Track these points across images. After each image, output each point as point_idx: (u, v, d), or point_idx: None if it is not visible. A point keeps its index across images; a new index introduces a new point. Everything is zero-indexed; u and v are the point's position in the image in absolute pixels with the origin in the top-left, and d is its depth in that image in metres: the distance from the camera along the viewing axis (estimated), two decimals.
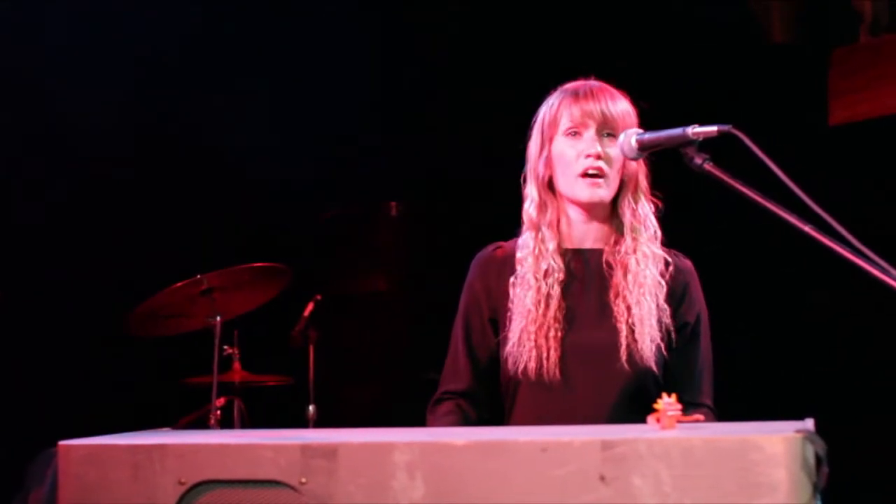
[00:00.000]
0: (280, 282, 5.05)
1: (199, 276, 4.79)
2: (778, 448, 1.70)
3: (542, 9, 5.74)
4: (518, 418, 2.79)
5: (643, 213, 2.82)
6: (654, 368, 2.73)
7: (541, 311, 2.75)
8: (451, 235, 5.35)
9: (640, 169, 2.83)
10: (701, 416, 2.09)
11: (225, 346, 5.06)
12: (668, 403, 1.94)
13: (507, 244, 2.91)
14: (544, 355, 2.73)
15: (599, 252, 2.83)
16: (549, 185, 2.85)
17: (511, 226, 2.91)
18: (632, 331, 2.74)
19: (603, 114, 2.78)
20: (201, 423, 4.86)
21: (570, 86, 2.87)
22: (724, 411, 2.86)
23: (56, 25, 5.42)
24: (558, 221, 2.84)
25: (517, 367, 2.75)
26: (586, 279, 2.82)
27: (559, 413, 2.69)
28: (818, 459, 1.71)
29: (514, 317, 2.78)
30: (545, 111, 2.87)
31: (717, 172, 2.31)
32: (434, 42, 5.93)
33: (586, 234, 2.84)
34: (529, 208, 2.85)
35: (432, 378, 2.99)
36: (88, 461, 1.89)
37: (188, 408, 5.05)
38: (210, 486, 1.86)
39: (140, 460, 1.88)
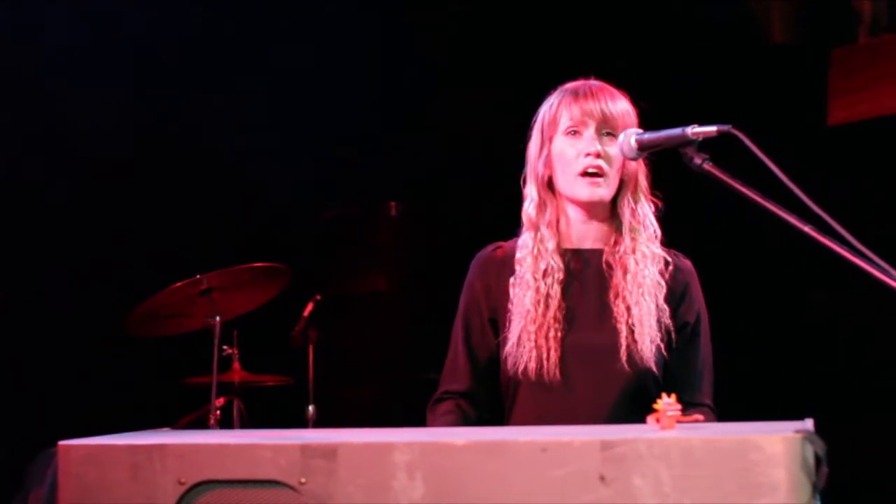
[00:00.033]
0: (280, 282, 5.05)
1: (198, 276, 4.79)
2: (777, 448, 1.70)
3: (542, 9, 5.73)
4: (518, 418, 2.79)
5: (643, 213, 2.82)
6: (654, 369, 2.73)
7: (540, 312, 2.75)
8: (451, 235, 5.35)
9: (639, 169, 2.83)
10: (700, 417, 2.09)
11: (224, 346, 5.06)
12: (667, 404, 1.94)
13: (507, 244, 2.91)
14: (544, 355, 2.73)
15: (599, 252, 2.83)
16: (549, 185, 2.85)
17: (511, 226, 2.91)
18: (632, 331, 2.74)
19: (603, 113, 2.79)
20: (201, 424, 4.86)
21: (569, 85, 2.87)
22: (724, 411, 2.86)
23: (56, 25, 5.42)
24: (558, 221, 2.84)
25: (517, 368, 2.75)
26: (586, 279, 2.82)
27: (559, 413, 2.69)
28: (818, 459, 1.71)
29: (513, 317, 2.78)
30: (545, 111, 2.87)
31: (717, 172, 2.31)
32: (434, 42, 5.93)
33: (586, 234, 2.84)
34: (529, 208, 2.85)
35: (432, 378, 2.99)
36: (88, 461, 1.89)
37: (188, 408, 5.05)
38: (210, 486, 1.86)
39: (140, 460, 1.88)
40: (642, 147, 2.57)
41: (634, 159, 2.68)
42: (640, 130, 2.62)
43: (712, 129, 2.35)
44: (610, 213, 2.84)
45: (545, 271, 2.78)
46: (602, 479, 1.75)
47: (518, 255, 2.83)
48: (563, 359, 2.73)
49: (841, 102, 5.55)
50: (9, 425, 5.24)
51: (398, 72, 5.93)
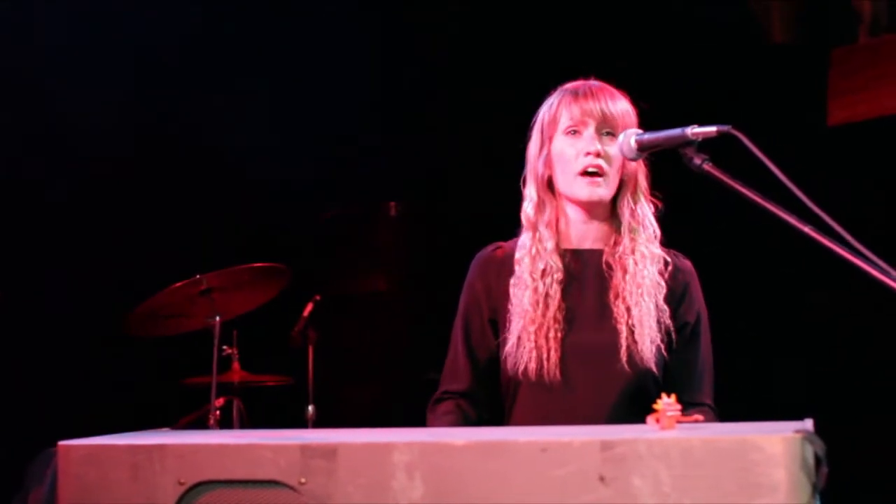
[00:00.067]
0: (279, 282, 5.05)
1: (198, 276, 4.79)
2: (777, 448, 1.70)
3: (542, 9, 5.74)
4: (518, 419, 2.79)
5: (642, 214, 2.82)
6: (654, 369, 2.74)
7: (539, 312, 2.75)
8: (451, 235, 5.35)
9: (639, 169, 2.83)
10: (700, 417, 2.09)
11: (224, 347, 5.06)
12: (667, 404, 1.94)
13: (507, 244, 2.91)
14: (544, 356, 2.73)
15: (599, 252, 2.83)
16: (549, 185, 2.85)
17: (511, 226, 2.91)
18: (632, 332, 2.74)
19: (602, 112, 2.79)
20: (201, 424, 4.86)
21: (569, 85, 2.88)
22: (724, 411, 2.86)
23: (56, 25, 5.42)
24: (557, 221, 2.84)
25: (517, 368, 2.75)
26: (586, 280, 2.82)
27: (559, 413, 2.69)
28: (817, 460, 1.71)
29: (513, 317, 2.79)
30: (545, 111, 2.87)
31: (717, 173, 2.31)
32: (434, 42, 5.93)
33: (586, 234, 2.85)
34: (527, 208, 2.86)
35: (432, 378, 2.99)
36: (88, 461, 1.89)
37: (187, 408, 5.05)
38: (209, 486, 1.86)
39: (139, 460, 1.88)
40: (642, 147, 2.57)
41: (634, 160, 2.68)
42: (640, 131, 2.61)
43: (712, 129, 2.35)
44: (610, 213, 2.84)
45: (543, 271, 2.78)
46: (602, 479, 1.75)
47: (517, 255, 2.83)
48: (563, 359, 2.73)
49: (841, 102, 5.55)
50: (9, 425, 5.24)
51: (398, 72, 5.93)
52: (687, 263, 2.88)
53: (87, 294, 5.47)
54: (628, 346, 2.73)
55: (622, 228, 2.81)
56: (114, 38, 5.44)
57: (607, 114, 2.79)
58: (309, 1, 5.79)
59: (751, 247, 5.29)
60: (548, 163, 2.84)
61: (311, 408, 5.02)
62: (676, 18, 5.69)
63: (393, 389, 5.64)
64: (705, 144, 2.38)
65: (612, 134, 2.77)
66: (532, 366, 2.73)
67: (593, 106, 2.79)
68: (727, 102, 5.13)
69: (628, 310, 2.75)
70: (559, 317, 2.76)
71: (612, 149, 2.76)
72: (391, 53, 5.87)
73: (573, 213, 2.84)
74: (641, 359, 2.72)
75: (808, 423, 1.86)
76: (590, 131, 2.79)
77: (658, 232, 2.83)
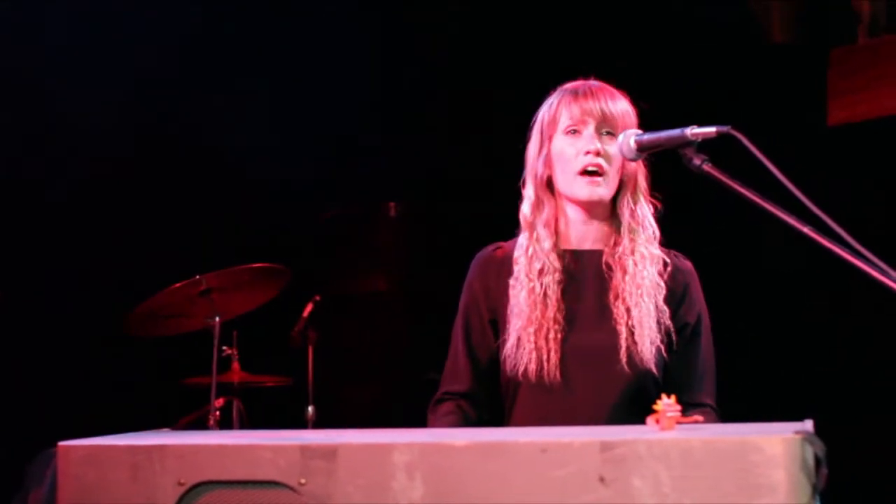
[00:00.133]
0: (279, 282, 5.05)
1: (198, 277, 4.79)
2: (777, 449, 1.70)
3: (542, 9, 5.73)
4: (518, 419, 2.79)
5: (642, 214, 2.82)
6: (654, 370, 2.74)
7: (538, 312, 2.75)
8: (451, 235, 5.35)
9: (639, 169, 2.83)
10: (700, 417, 2.09)
11: (224, 347, 5.06)
12: (667, 405, 1.95)
13: (507, 244, 2.91)
14: (544, 357, 2.73)
15: (599, 253, 2.83)
16: (548, 185, 2.85)
17: (511, 226, 2.91)
18: (631, 332, 2.74)
19: (602, 112, 2.79)
20: (200, 424, 4.85)
21: (569, 85, 2.88)
22: (725, 411, 2.86)
23: (56, 25, 5.42)
24: (556, 222, 2.84)
25: (517, 369, 2.75)
26: (585, 280, 2.82)
27: (559, 414, 2.69)
28: (817, 461, 1.71)
29: (511, 317, 2.79)
30: (544, 111, 2.87)
31: (716, 173, 2.31)
32: (434, 42, 5.93)
33: (586, 234, 2.84)
34: (525, 208, 2.86)
35: (432, 378, 2.99)
36: (88, 462, 1.89)
37: (187, 408, 5.05)
38: (209, 486, 1.86)
39: (139, 461, 1.88)
40: (642, 148, 2.57)
41: (634, 160, 2.68)
42: (640, 131, 2.61)
43: (711, 130, 2.35)
44: (609, 213, 2.84)
45: (541, 270, 2.78)
46: (602, 479, 1.75)
47: (515, 254, 2.84)
48: (563, 360, 2.73)
49: (840, 103, 5.55)
50: (9, 425, 5.24)
51: (398, 72, 5.92)
52: (687, 264, 2.88)
53: (87, 294, 5.47)
54: (628, 347, 2.73)
55: (622, 229, 2.81)
56: (114, 38, 5.43)
57: (607, 113, 2.79)
58: (309, 1, 5.79)
59: (751, 247, 5.29)
60: (547, 162, 2.84)
61: (310, 408, 5.02)
62: (676, 18, 5.68)
63: (393, 390, 5.64)
64: (705, 145, 2.38)
65: (612, 134, 2.77)
66: (532, 367, 2.73)
67: (593, 105, 2.79)
68: (727, 102, 5.13)
69: (628, 311, 2.74)
70: (559, 317, 2.76)
71: (612, 148, 2.76)
72: (391, 53, 5.87)
73: (573, 214, 2.84)
74: (641, 360, 2.72)
75: (808, 424, 1.86)
76: (589, 131, 2.79)
77: (658, 233, 2.83)
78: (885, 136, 5.40)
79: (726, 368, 2.98)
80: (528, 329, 2.75)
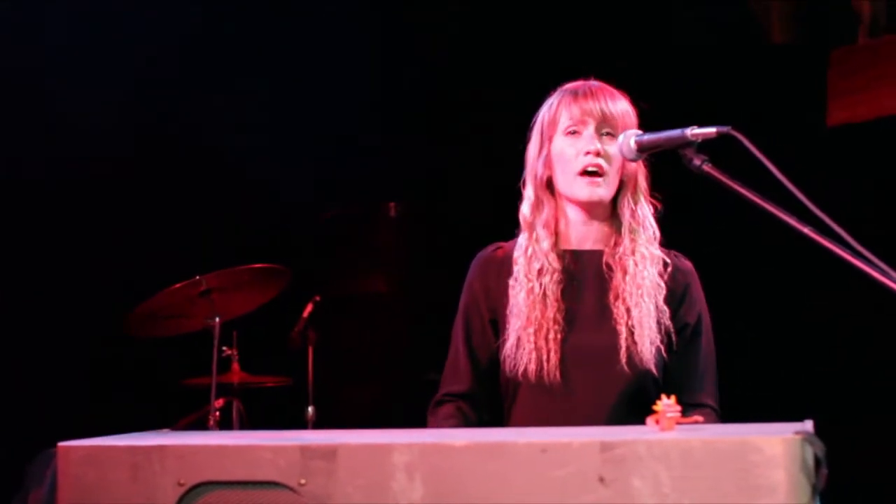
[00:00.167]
0: (279, 283, 5.05)
1: (198, 277, 4.79)
2: (777, 450, 1.70)
3: (543, 9, 5.73)
4: (518, 420, 2.79)
5: (642, 214, 2.82)
6: (654, 370, 2.73)
7: (538, 312, 2.75)
8: (451, 235, 5.34)
9: (639, 169, 2.83)
10: (700, 418, 2.09)
11: (224, 347, 5.06)
12: (667, 405, 1.95)
13: (507, 245, 2.91)
14: (544, 357, 2.73)
15: (599, 253, 2.83)
16: (548, 186, 2.85)
17: (511, 226, 2.91)
18: (631, 333, 2.74)
19: (602, 112, 2.79)
20: (200, 425, 4.85)
21: (569, 86, 2.88)
22: (725, 412, 2.85)
23: (56, 25, 5.41)
24: (556, 222, 2.84)
25: (517, 370, 2.75)
26: (585, 281, 2.82)
27: (559, 415, 2.69)
28: (817, 461, 1.71)
29: (511, 317, 2.79)
30: (544, 111, 2.87)
31: (716, 174, 2.31)
32: (434, 42, 5.93)
33: (586, 235, 2.84)
34: (524, 208, 2.86)
35: (432, 379, 2.99)
36: (88, 462, 1.89)
37: (187, 409, 5.05)
38: (209, 487, 1.86)
39: (139, 461, 1.88)
40: (642, 148, 2.57)
41: (634, 160, 2.68)
42: (640, 132, 2.62)
43: (711, 130, 2.36)
44: (609, 214, 2.84)
45: (539, 270, 2.79)
46: (601, 480, 1.75)
47: (515, 254, 2.84)
48: (563, 360, 2.73)
49: (840, 103, 5.55)
50: (9, 425, 5.24)
51: (398, 72, 5.92)
52: (687, 264, 2.88)
53: (87, 294, 5.46)
54: (628, 348, 2.73)
55: (622, 229, 2.81)
56: (114, 38, 5.43)
57: (607, 114, 2.79)
58: (309, 1, 5.79)
59: (750, 247, 5.29)
60: (547, 163, 2.84)
61: (310, 409, 5.02)
62: (676, 18, 5.68)
63: (393, 390, 5.64)
64: (705, 145, 2.38)
65: (612, 134, 2.77)
66: (532, 367, 2.73)
67: (593, 106, 2.79)
68: (727, 102, 5.13)
69: (628, 311, 2.74)
70: (558, 318, 2.76)
71: (612, 149, 2.76)
72: (391, 53, 5.87)
73: (573, 214, 2.84)
74: (641, 360, 2.72)
75: (808, 425, 1.86)
76: (589, 131, 2.79)
77: (658, 233, 2.83)
78: (885, 136, 5.39)
79: (726, 368, 2.98)
80: (528, 329, 2.75)
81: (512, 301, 2.79)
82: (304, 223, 5.83)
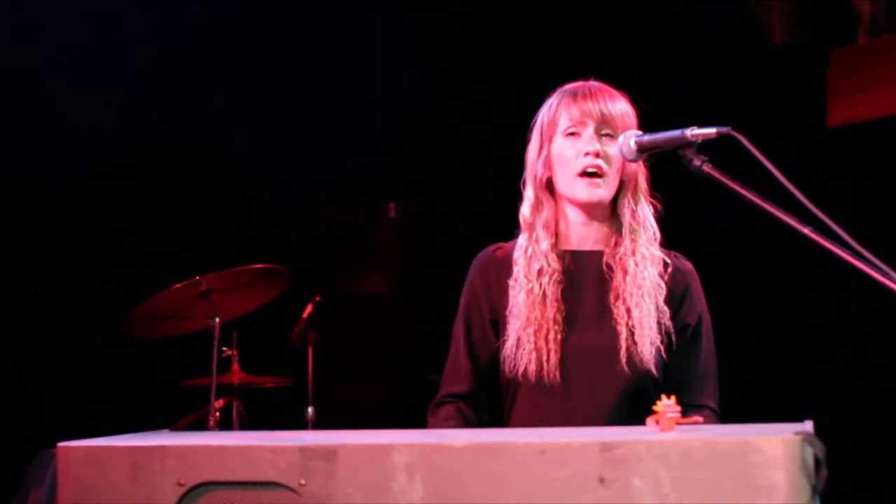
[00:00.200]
0: (279, 283, 5.04)
1: (198, 278, 4.79)
2: (777, 450, 1.70)
3: (542, 9, 5.73)
4: (518, 420, 2.79)
5: (643, 215, 2.82)
6: (654, 371, 2.73)
7: (537, 312, 2.75)
8: (451, 236, 5.35)
9: (639, 170, 2.83)
10: (700, 419, 2.09)
11: (224, 348, 5.06)
12: (667, 405, 1.95)
13: (507, 245, 2.91)
14: (544, 357, 2.73)
15: (599, 254, 2.83)
16: (548, 186, 2.85)
17: (511, 226, 2.91)
18: (632, 333, 2.74)
19: (601, 113, 2.79)
20: (200, 425, 4.85)
21: (569, 87, 2.88)
22: (725, 412, 2.85)
23: (56, 25, 5.41)
24: (556, 222, 2.84)
25: (517, 370, 2.75)
26: (585, 281, 2.82)
27: (559, 415, 2.69)
28: (817, 462, 1.71)
29: (511, 318, 2.79)
30: (544, 112, 2.87)
31: (716, 174, 2.31)
32: (434, 42, 5.93)
33: (586, 235, 2.84)
34: (524, 208, 2.86)
35: (432, 379, 2.98)
36: (87, 462, 1.90)
37: (187, 409, 5.05)
38: (209, 487, 1.86)
39: (139, 461, 1.88)
40: (642, 149, 2.57)
41: (634, 161, 2.68)
42: (640, 132, 2.62)
43: (711, 131, 2.35)
44: (610, 214, 2.84)
45: (539, 271, 2.79)
46: (601, 480, 1.75)
47: (514, 255, 2.84)
48: (563, 361, 2.73)
49: (840, 103, 5.55)
50: (9, 425, 5.24)
51: (398, 72, 5.92)
52: (688, 265, 2.88)
53: (87, 294, 5.46)
54: (628, 348, 2.73)
55: (623, 230, 2.81)
56: (114, 38, 5.43)
57: (606, 115, 2.79)
58: (309, 1, 5.79)
59: (750, 248, 5.29)
60: (547, 164, 2.84)
61: (310, 409, 5.02)
62: (676, 18, 5.68)
63: (393, 390, 5.64)
64: (705, 146, 2.38)
65: (612, 135, 2.77)
66: (532, 367, 2.73)
67: (592, 107, 2.79)
68: (727, 103, 5.12)
69: (628, 311, 2.74)
70: (558, 318, 2.76)
71: (612, 150, 2.76)
72: (391, 53, 5.87)
73: (573, 215, 2.84)
74: (641, 360, 2.72)
75: (808, 425, 1.86)
76: (589, 132, 2.79)
77: (658, 233, 2.83)
78: (885, 136, 5.39)
79: (726, 369, 2.98)
80: (528, 330, 2.75)
81: (512, 301, 2.79)
82: (304, 223, 5.83)
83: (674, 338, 2.78)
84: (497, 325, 2.85)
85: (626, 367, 2.72)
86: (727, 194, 2.27)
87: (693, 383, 2.82)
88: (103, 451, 1.90)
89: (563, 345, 2.74)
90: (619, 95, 2.84)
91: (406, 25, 5.92)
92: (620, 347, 2.73)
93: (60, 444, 1.92)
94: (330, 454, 1.83)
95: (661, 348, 2.74)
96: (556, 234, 2.83)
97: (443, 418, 2.85)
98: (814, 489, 1.71)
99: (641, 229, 2.81)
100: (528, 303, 2.76)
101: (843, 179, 5.22)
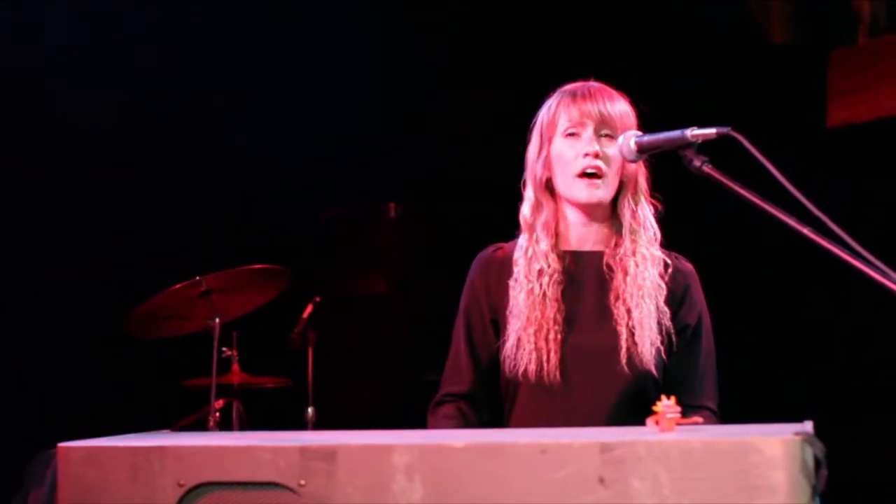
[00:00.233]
0: (279, 283, 5.04)
1: (198, 278, 4.79)
2: (777, 450, 1.70)
3: (542, 9, 5.73)
4: (518, 420, 2.79)
5: (643, 215, 2.82)
6: (654, 371, 2.73)
7: (537, 312, 2.75)
8: (451, 236, 5.34)
9: (639, 170, 2.83)
10: (700, 419, 2.09)
11: (224, 348, 5.06)
12: (666, 406, 1.95)
13: (507, 245, 2.91)
14: (544, 358, 2.73)
15: (600, 254, 2.83)
16: (548, 187, 2.85)
17: (511, 227, 2.91)
18: (632, 334, 2.74)
19: (601, 114, 2.79)
20: (200, 425, 4.85)
21: (568, 87, 2.88)
22: (725, 412, 2.85)
23: (56, 25, 5.41)
24: (556, 223, 2.84)
25: (517, 370, 2.75)
26: (585, 281, 2.82)
27: (559, 415, 2.69)
28: (817, 462, 1.71)
29: (511, 318, 2.79)
30: (543, 113, 2.87)
31: (716, 175, 2.31)
32: (434, 42, 5.93)
33: (586, 236, 2.85)
34: (524, 209, 2.86)
35: (432, 379, 2.98)
36: (87, 462, 1.89)
37: (187, 409, 5.05)
38: (209, 487, 1.86)
39: (139, 462, 1.88)
40: (642, 149, 2.57)
41: (634, 161, 2.68)
42: (640, 133, 2.61)
43: (711, 131, 2.35)
44: (610, 215, 2.84)
45: (539, 271, 2.79)
46: (601, 480, 1.75)
47: (515, 255, 2.84)
48: (563, 361, 2.73)
49: (840, 103, 5.55)
50: (9, 425, 5.24)
51: (398, 72, 5.92)
52: (688, 265, 2.88)
53: (87, 294, 5.46)
54: (628, 348, 2.73)
55: (623, 230, 2.81)
56: (114, 38, 5.43)
57: (605, 115, 2.79)
58: (309, 1, 5.79)
59: (750, 248, 5.29)
60: (547, 165, 2.84)
61: (310, 409, 5.02)
62: (676, 18, 5.68)
63: (393, 391, 5.64)
64: (705, 146, 2.38)
65: (611, 136, 2.77)
66: (532, 367, 2.73)
67: (591, 107, 2.79)
68: (727, 103, 5.12)
69: (629, 312, 2.74)
70: (559, 318, 2.76)
71: (611, 150, 2.76)
72: (391, 53, 5.87)
73: (573, 216, 2.84)
74: (641, 361, 2.72)
75: (808, 426, 1.86)
76: (588, 133, 2.79)
77: (658, 234, 2.83)
78: (885, 136, 5.39)
79: (726, 369, 2.99)
80: (528, 330, 2.75)
81: (512, 302, 2.80)
82: (304, 223, 5.83)
83: (674, 338, 2.78)
84: (497, 325, 2.85)
85: (626, 368, 2.72)
86: (727, 194, 2.27)
87: (693, 384, 2.82)
88: (103, 451, 1.90)
89: (564, 345, 2.74)
90: (618, 96, 2.84)
91: (406, 25, 5.92)
92: (620, 348, 2.73)
93: (60, 444, 1.92)
94: (330, 455, 1.83)
95: (662, 349, 2.75)
96: (557, 235, 2.84)
97: (443, 417, 2.85)
98: (814, 489, 1.71)
99: (642, 230, 2.81)
100: (529, 303, 2.76)
101: (842, 179, 5.22)
